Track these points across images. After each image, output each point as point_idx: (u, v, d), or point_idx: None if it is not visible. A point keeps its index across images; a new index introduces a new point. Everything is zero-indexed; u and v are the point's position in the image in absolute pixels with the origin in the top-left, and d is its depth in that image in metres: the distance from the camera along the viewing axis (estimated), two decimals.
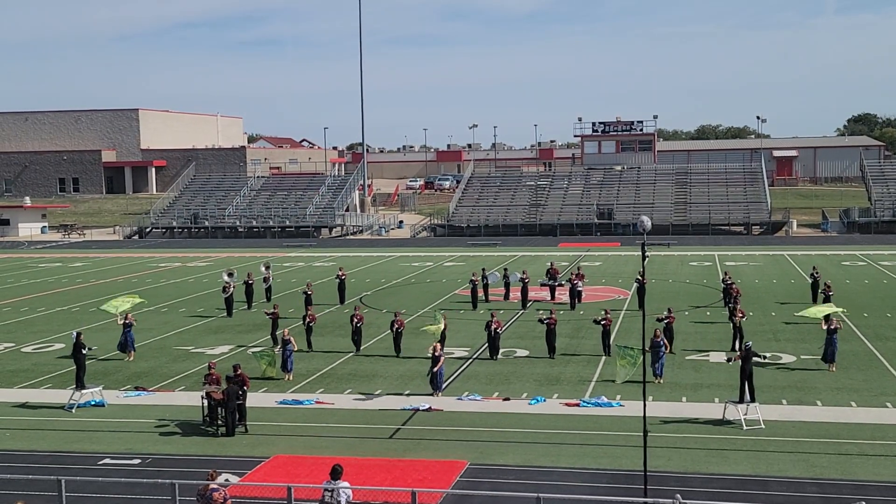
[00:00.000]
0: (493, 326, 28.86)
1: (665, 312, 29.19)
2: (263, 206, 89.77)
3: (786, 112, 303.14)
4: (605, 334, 29.21)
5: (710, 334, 32.41)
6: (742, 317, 30.06)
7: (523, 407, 23.73)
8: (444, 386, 25.18)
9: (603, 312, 29.81)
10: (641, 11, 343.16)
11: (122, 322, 30.86)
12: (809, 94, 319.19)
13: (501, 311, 38.44)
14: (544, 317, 29.50)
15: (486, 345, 29.48)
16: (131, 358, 30.24)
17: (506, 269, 42.74)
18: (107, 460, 20.12)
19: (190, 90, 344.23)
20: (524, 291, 39.72)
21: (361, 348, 30.65)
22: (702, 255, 60.09)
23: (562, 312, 38.11)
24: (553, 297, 40.78)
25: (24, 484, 16.55)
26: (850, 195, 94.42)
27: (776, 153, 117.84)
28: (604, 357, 28.79)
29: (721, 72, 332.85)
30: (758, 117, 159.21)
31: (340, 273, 42.06)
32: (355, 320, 30.65)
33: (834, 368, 26.64)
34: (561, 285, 41.67)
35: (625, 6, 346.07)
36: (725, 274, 39.79)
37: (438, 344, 25.79)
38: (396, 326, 30.02)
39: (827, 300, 34.31)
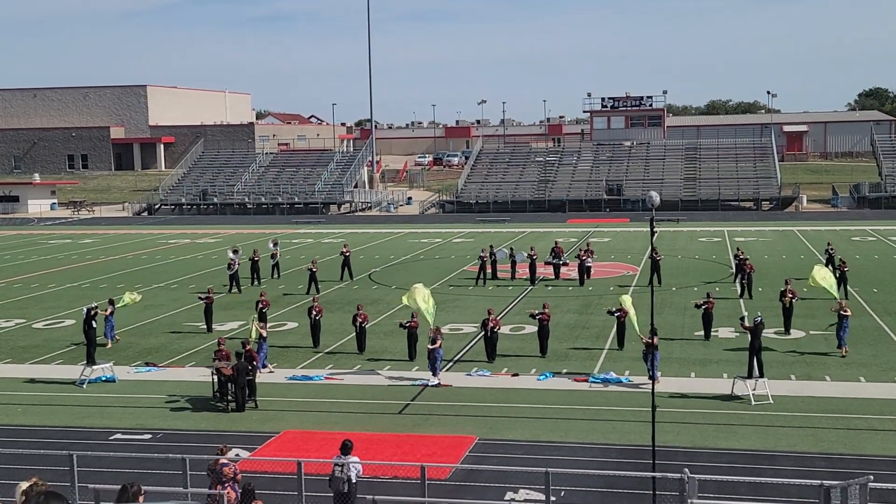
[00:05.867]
0: (490, 325, 25.98)
1: (703, 297, 28.90)
2: (272, 183, 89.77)
3: (796, 87, 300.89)
4: (621, 326, 26.96)
5: (718, 310, 32.27)
6: (793, 297, 28.87)
7: (532, 383, 23.79)
8: (440, 369, 24.13)
9: (619, 303, 27.56)
10: None
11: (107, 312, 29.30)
12: (820, 69, 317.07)
13: (510, 288, 38.59)
14: (536, 312, 26.93)
15: (484, 345, 26.40)
16: (109, 346, 28.80)
17: (512, 249, 42.62)
18: (118, 435, 20.28)
19: (198, 66, 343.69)
20: (532, 268, 39.72)
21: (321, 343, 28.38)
22: (711, 231, 59.95)
23: (570, 289, 38.20)
24: (557, 275, 40.70)
25: (37, 459, 16.68)
26: (860, 170, 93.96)
27: (786, 128, 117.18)
28: (613, 343, 28.68)
29: (731, 46, 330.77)
30: (768, 92, 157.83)
31: (345, 250, 42.04)
32: (314, 313, 28.15)
33: (845, 353, 25.78)
34: (565, 264, 41.60)
35: None
36: (738, 250, 39.66)
37: (438, 326, 25.32)
38: (360, 321, 27.26)
39: (842, 276, 34.01)
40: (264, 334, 25.65)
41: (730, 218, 69.94)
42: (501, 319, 29.95)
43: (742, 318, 24.58)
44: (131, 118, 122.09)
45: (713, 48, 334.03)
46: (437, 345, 23.92)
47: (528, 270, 39.94)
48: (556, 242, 43.74)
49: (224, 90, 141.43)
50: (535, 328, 27.27)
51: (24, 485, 7.52)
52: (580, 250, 41.21)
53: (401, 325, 26.70)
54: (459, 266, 45.65)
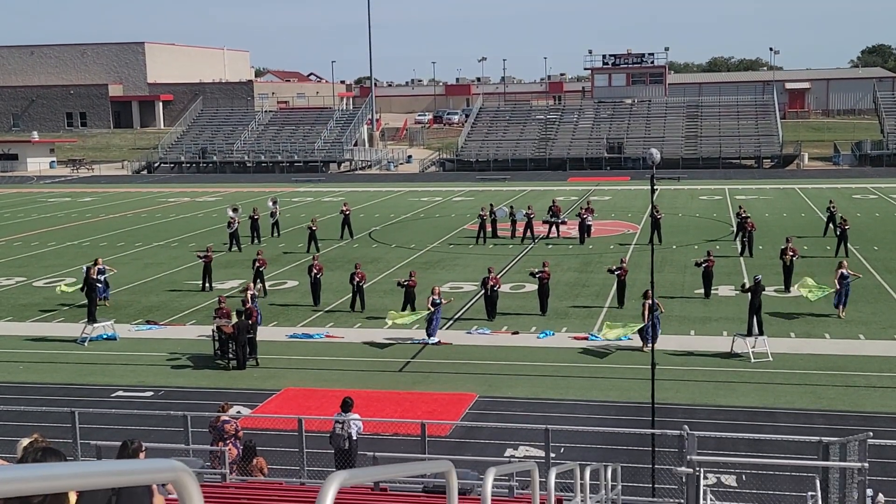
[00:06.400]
0: (490, 283, 26.04)
1: (704, 256, 28.86)
2: (271, 141, 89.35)
3: (799, 43, 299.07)
4: (621, 285, 27.14)
5: (718, 268, 32.27)
6: (793, 255, 28.83)
7: (532, 340, 23.85)
8: (437, 331, 24.19)
9: (619, 262, 28.26)
10: None
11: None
12: (823, 25, 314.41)
13: (510, 246, 38.57)
14: (536, 270, 27.03)
15: (484, 303, 26.48)
16: (108, 304, 28.74)
17: (512, 207, 42.54)
18: (119, 392, 20.37)
19: (196, 23, 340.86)
20: (529, 226, 39.65)
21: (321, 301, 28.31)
22: (712, 189, 59.79)
23: (570, 247, 38.18)
24: (558, 233, 40.64)
25: (39, 416, 16.76)
26: (862, 128, 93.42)
27: (788, 85, 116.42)
28: (612, 305, 28.69)
29: (734, 2, 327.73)
30: (770, 49, 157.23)
31: (345, 208, 41.95)
32: (314, 271, 28.14)
33: (843, 314, 25.55)
34: (563, 223, 41.54)
35: None
36: (740, 208, 39.53)
37: (437, 287, 25.36)
38: (357, 279, 27.05)
39: (843, 234, 34.09)
40: (256, 293, 25.79)
41: (731, 176, 69.74)
42: (501, 278, 29.96)
43: (742, 285, 24.46)
44: (129, 76, 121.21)
45: (715, 4, 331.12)
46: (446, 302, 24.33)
47: (526, 230, 39.85)
48: (553, 201, 43.64)
49: (223, 47, 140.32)
50: (536, 286, 27.28)
51: (25, 441, 7.54)
52: (581, 209, 41.11)
53: (399, 284, 26.72)
54: (459, 224, 45.59)
